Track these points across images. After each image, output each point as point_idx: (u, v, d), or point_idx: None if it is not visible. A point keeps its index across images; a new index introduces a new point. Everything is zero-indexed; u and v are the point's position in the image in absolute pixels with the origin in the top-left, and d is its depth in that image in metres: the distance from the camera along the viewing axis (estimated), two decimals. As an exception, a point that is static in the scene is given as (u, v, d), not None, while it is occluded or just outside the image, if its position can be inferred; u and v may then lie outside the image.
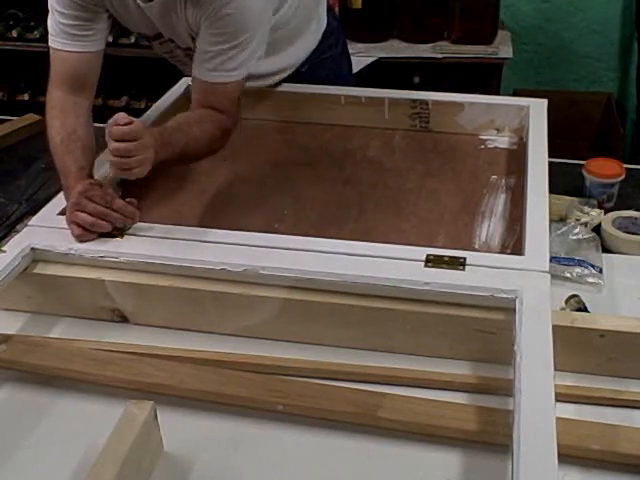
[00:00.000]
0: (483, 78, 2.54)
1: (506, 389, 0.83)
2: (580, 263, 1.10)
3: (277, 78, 1.47)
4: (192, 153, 1.17)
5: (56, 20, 1.18)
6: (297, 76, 1.48)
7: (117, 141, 0.97)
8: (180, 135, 1.13)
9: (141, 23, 1.24)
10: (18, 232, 1.08)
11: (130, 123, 0.97)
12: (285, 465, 0.83)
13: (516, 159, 1.31)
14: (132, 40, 2.58)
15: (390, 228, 1.15)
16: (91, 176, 1.12)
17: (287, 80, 1.48)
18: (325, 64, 1.52)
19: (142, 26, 1.25)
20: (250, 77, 1.24)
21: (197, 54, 1.19)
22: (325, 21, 1.50)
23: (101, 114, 1.30)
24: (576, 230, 1.16)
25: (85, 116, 1.22)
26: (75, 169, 1.11)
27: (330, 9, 1.56)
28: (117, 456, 0.74)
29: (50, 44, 1.21)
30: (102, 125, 1.26)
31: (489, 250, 1.08)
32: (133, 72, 2.69)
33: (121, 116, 0.98)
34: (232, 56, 1.15)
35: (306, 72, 1.49)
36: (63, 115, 1.19)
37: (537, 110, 1.35)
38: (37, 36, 2.75)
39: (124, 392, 0.89)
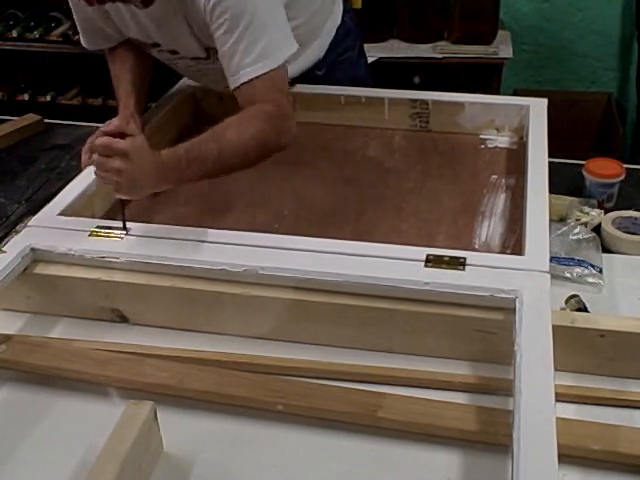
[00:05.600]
0: (483, 78, 2.54)
1: (506, 389, 0.83)
2: (580, 263, 1.10)
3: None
4: (235, 159, 1.06)
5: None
6: (314, 78, 1.45)
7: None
8: (211, 144, 1.04)
9: (136, 30, 1.23)
10: (18, 232, 1.08)
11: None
12: (285, 465, 0.83)
13: (516, 159, 1.31)
14: (132, 40, 2.57)
15: (390, 228, 1.15)
16: (142, 97, 1.30)
17: (304, 82, 1.44)
18: (343, 67, 1.48)
19: (137, 33, 1.25)
20: None
21: (224, 68, 1.13)
22: (339, 20, 1.47)
23: (101, 114, 1.30)
24: (576, 230, 1.16)
25: (132, 55, 1.32)
26: (125, 97, 1.26)
27: (348, 10, 1.52)
28: (117, 456, 0.74)
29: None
30: (103, 125, 1.26)
31: (489, 250, 1.08)
32: (133, 72, 2.68)
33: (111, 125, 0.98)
34: (247, 47, 1.08)
35: (323, 75, 1.45)
36: (110, 57, 1.34)
37: (537, 110, 1.35)
38: (37, 36, 2.75)
39: (124, 392, 0.89)
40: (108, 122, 1.00)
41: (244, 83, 1.10)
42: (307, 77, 1.44)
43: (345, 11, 1.50)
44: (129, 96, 1.27)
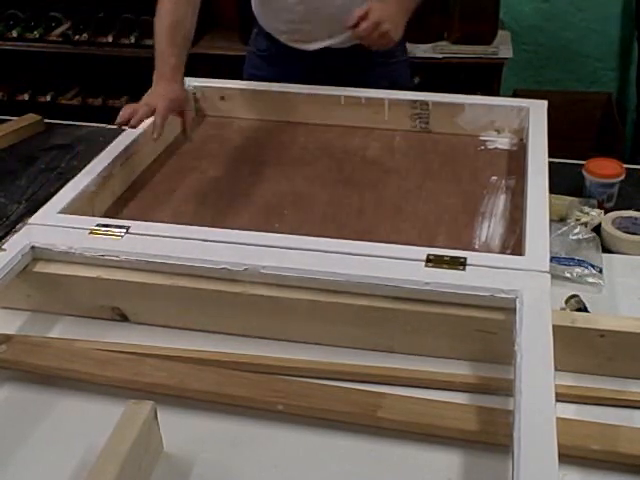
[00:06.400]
0: (483, 78, 2.54)
1: (506, 389, 0.83)
2: (580, 263, 1.10)
3: None
4: None
5: None
6: (371, 68, 1.53)
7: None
8: None
9: None
10: (18, 232, 1.08)
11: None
12: (285, 465, 0.83)
13: (516, 160, 1.31)
14: (132, 40, 2.58)
15: (390, 228, 1.15)
16: (182, 75, 1.28)
17: (360, 73, 1.51)
18: (397, 67, 1.60)
19: None
20: None
21: None
22: None
23: (101, 114, 1.30)
24: (576, 230, 1.16)
25: (194, 4, 1.32)
26: (172, 65, 1.25)
27: None
28: (117, 456, 0.74)
29: None
30: (103, 125, 1.27)
31: (489, 250, 1.08)
32: (133, 72, 2.69)
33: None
34: None
35: (380, 66, 1.55)
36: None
37: (537, 111, 1.35)
38: (37, 36, 2.76)
39: (124, 392, 0.89)
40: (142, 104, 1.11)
41: None
42: (368, 65, 1.53)
43: None
44: (178, 64, 1.28)
